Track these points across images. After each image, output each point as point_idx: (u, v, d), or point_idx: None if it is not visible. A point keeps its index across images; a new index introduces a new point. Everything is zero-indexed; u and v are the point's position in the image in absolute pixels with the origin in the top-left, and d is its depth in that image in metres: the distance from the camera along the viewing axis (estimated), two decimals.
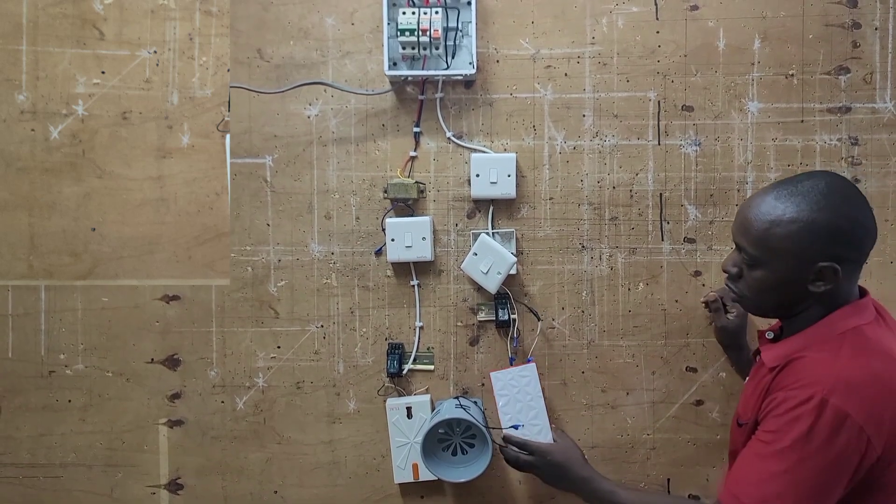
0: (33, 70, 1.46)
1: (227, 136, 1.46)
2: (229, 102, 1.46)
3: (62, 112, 1.47)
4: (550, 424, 1.34)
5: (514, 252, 1.44)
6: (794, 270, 1.01)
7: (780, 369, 1.03)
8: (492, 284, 1.40)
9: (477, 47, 1.39)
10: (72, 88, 1.47)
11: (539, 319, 1.45)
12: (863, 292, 1.08)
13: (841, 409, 0.92)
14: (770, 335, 1.12)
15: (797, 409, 0.95)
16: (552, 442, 1.32)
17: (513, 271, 1.43)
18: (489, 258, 1.39)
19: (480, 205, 1.46)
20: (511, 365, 1.42)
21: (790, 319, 1.08)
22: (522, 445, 1.31)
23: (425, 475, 1.41)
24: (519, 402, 1.36)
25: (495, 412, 1.36)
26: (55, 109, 1.47)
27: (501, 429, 1.34)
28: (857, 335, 1.01)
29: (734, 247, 1.10)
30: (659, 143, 1.45)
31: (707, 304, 1.42)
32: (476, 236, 1.43)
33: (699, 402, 1.48)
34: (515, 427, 1.43)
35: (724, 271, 1.12)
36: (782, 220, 1.00)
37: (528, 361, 1.40)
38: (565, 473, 1.26)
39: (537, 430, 1.33)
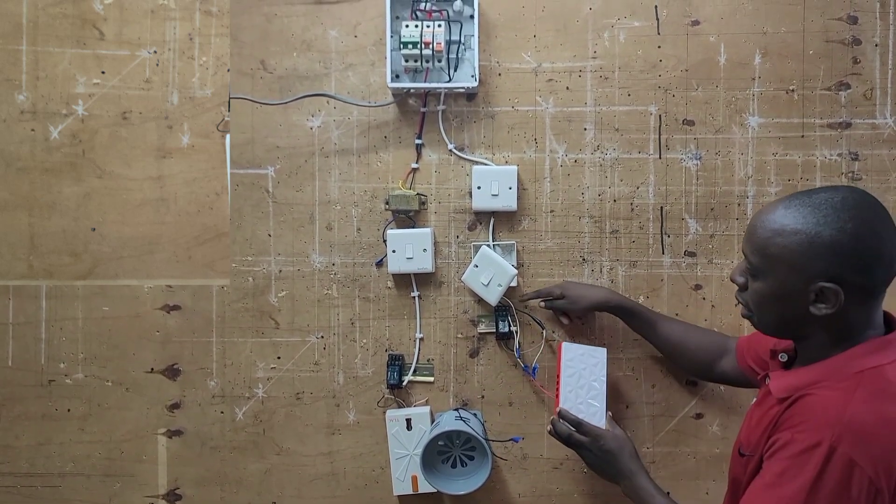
0: (33, 70, 1.47)
1: (227, 136, 1.47)
2: (229, 103, 1.46)
3: (62, 112, 1.47)
4: (607, 412, 1.28)
5: (515, 264, 1.44)
6: (792, 286, 0.94)
7: (790, 404, 0.97)
8: (492, 297, 1.40)
9: (479, 60, 1.40)
10: (72, 88, 1.47)
11: (543, 329, 1.46)
12: (892, 325, 0.99)
13: (850, 458, 0.86)
14: (783, 357, 1.06)
15: (804, 455, 0.89)
16: (605, 427, 1.24)
17: (513, 283, 1.43)
18: (490, 270, 1.39)
19: (481, 217, 1.47)
20: (526, 374, 1.44)
21: (800, 344, 1.02)
22: (577, 424, 1.23)
23: (425, 487, 1.41)
24: (582, 379, 1.31)
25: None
26: (55, 109, 1.47)
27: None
28: (877, 376, 0.92)
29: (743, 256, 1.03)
30: (660, 157, 1.46)
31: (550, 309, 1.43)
32: (477, 248, 1.43)
33: (699, 416, 1.47)
34: (515, 440, 1.43)
35: (732, 280, 1.06)
36: (785, 231, 0.93)
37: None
38: (613, 462, 1.19)
39: (592, 412, 1.28)
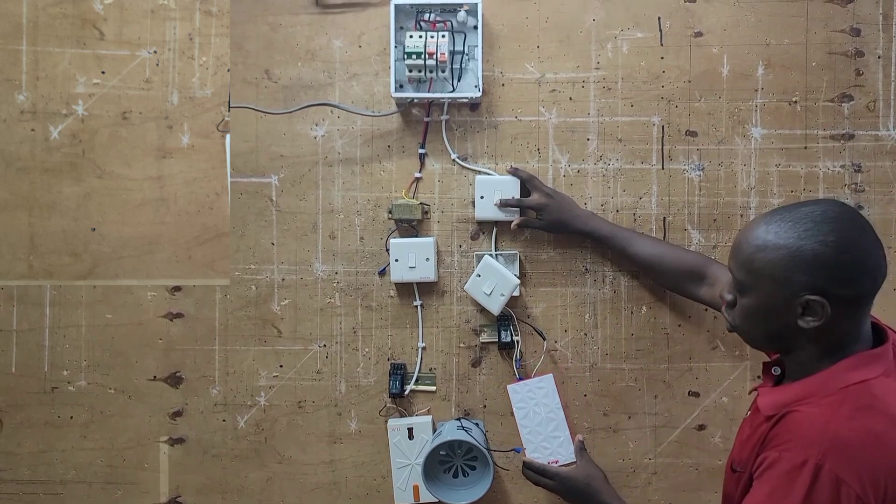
0: (33, 70, 1.47)
1: (227, 137, 1.47)
2: (229, 103, 1.47)
3: (62, 112, 1.48)
4: (573, 436, 1.33)
5: (518, 274, 1.44)
6: (778, 301, 0.94)
7: (776, 421, 0.96)
8: (495, 306, 1.41)
9: (483, 71, 1.41)
10: (72, 88, 1.48)
11: (544, 339, 1.45)
12: (882, 337, 0.99)
13: (837, 476, 0.86)
14: (776, 371, 1.06)
15: (791, 474, 0.89)
16: (573, 460, 1.31)
17: (516, 293, 1.43)
18: (492, 280, 1.39)
19: (484, 226, 1.47)
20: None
21: (789, 358, 1.02)
22: (542, 472, 1.30)
23: (426, 497, 1.41)
24: (538, 415, 1.35)
25: (515, 426, 1.39)
26: (55, 109, 1.48)
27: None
28: (862, 392, 0.92)
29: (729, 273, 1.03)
30: (663, 168, 1.46)
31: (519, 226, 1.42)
32: (479, 258, 1.43)
33: (701, 427, 1.47)
34: (517, 450, 1.43)
35: (720, 297, 1.06)
36: (768, 246, 0.94)
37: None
38: (587, 499, 1.25)
39: (558, 443, 1.33)
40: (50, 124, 1.48)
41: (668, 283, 1.40)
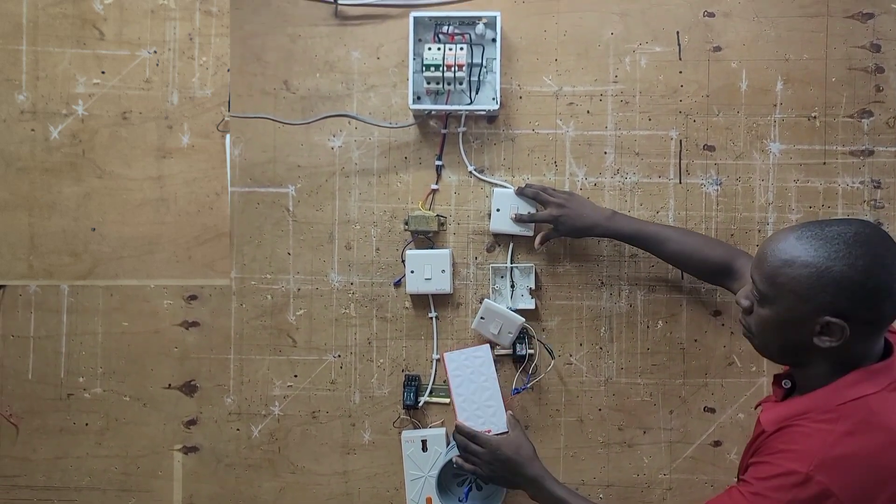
0: (33, 70, 1.48)
1: (227, 136, 1.48)
2: (229, 102, 1.47)
3: (62, 112, 1.48)
4: (507, 411, 1.35)
5: (533, 287, 1.44)
6: (798, 317, 0.94)
7: (774, 431, 0.98)
8: (505, 342, 1.42)
9: (500, 83, 1.41)
10: (72, 88, 1.48)
11: (553, 358, 1.45)
12: (890, 350, 0.98)
13: (826, 487, 0.88)
14: (787, 384, 1.06)
15: (781, 479, 0.91)
16: (505, 430, 1.32)
17: (531, 306, 1.43)
18: (497, 321, 1.40)
19: (500, 239, 1.47)
20: (513, 397, 1.44)
21: (799, 371, 1.02)
22: (472, 437, 1.31)
23: None
24: (473, 384, 1.37)
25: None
26: (55, 109, 1.48)
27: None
28: (860, 408, 0.93)
29: (750, 280, 1.02)
30: (680, 182, 1.46)
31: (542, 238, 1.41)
32: (496, 270, 1.44)
33: (717, 443, 1.46)
34: (465, 496, 1.40)
35: (737, 303, 1.06)
36: (796, 262, 0.93)
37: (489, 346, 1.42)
38: (515, 470, 1.26)
39: (492, 412, 1.34)
40: (50, 124, 1.48)
41: (699, 277, 1.40)
